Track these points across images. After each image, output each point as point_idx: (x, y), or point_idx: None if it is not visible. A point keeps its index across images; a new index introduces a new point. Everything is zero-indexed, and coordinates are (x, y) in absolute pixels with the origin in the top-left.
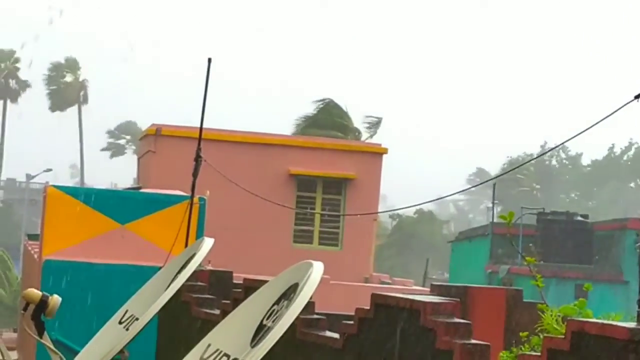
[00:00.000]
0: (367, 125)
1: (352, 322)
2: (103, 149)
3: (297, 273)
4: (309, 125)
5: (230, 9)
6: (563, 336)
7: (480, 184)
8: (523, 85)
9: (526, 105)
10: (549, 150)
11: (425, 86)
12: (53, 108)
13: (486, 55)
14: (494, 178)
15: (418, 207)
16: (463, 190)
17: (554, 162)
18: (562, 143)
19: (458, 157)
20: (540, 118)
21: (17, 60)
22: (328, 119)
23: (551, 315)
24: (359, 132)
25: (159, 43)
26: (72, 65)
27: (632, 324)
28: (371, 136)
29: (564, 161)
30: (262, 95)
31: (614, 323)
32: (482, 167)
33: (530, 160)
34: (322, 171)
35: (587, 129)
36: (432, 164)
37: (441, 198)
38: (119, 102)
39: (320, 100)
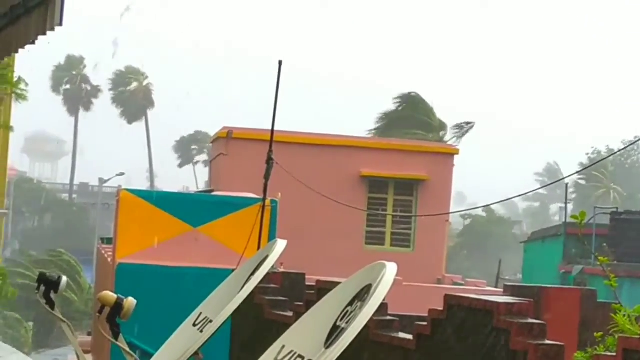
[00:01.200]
0: (457, 130)
1: (425, 323)
2: (176, 156)
3: (371, 274)
4: (391, 122)
5: (300, 8)
6: (639, 336)
7: (552, 183)
8: (607, 78)
9: (610, 99)
10: (623, 148)
11: (508, 79)
12: (122, 114)
13: (567, 45)
14: (563, 178)
15: (489, 207)
16: (530, 192)
17: (634, 159)
18: (636, 141)
19: (534, 151)
20: (625, 113)
21: (86, 66)
22: (412, 115)
23: (624, 315)
24: (445, 128)
25: (228, 44)
26: (136, 71)
27: None
28: (458, 139)
29: None
30: (339, 91)
31: None
32: (552, 164)
33: (601, 160)
34: (393, 172)
35: None
36: (512, 160)
37: (509, 199)
38: (188, 106)
39: (403, 96)
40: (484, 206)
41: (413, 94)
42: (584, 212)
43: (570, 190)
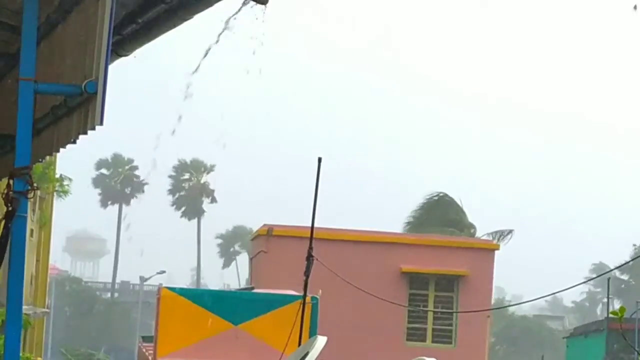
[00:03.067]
0: (497, 236)
1: None
2: (219, 255)
3: None
4: (421, 220)
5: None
6: None
7: (598, 276)
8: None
9: None
10: None
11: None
12: (175, 208)
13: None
14: (605, 273)
15: (533, 303)
16: (574, 286)
17: None
18: None
19: (582, 248)
20: None
21: (134, 167)
22: (442, 215)
23: None
24: (475, 229)
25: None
26: (194, 166)
27: None
28: (496, 241)
29: None
30: (375, 190)
31: None
32: (603, 262)
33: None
34: (434, 268)
35: None
36: (555, 254)
37: (552, 294)
38: (235, 201)
39: (433, 195)
40: (527, 302)
41: (442, 194)
42: (624, 308)
43: (618, 286)
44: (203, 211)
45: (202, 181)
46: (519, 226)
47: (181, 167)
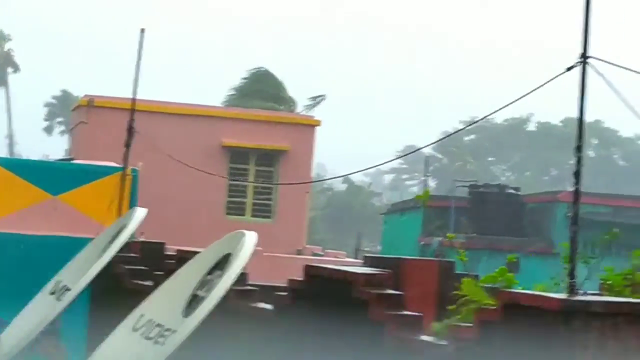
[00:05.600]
0: (310, 102)
1: (285, 293)
2: (44, 121)
3: (230, 243)
4: (242, 95)
5: None
6: (495, 307)
7: (410, 153)
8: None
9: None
10: (473, 124)
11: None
12: None
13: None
14: (418, 149)
15: (350, 179)
16: (390, 160)
17: (487, 134)
18: (486, 116)
19: (395, 127)
20: (472, 91)
21: None
22: (262, 89)
23: (476, 286)
24: (294, 103)
25: (91, 12)
26: None
27: (563, 295)
28: (309, 110)
29: (499, 132)
30: (197, 64)
31: (546, 294)
32: (413, 145)
33: (453, 134)
34: (255, 143)
35: (514, 101)
36: (371, 132)
37: (369, 168)
38: (53, 73)
39: (254, 70)
40: (344, 175)
41: (262, 68)
42: (428, 191)
43: (434, 165)
44: (7, 79)
45: (5, 49)
46: (346, 108)
47: None
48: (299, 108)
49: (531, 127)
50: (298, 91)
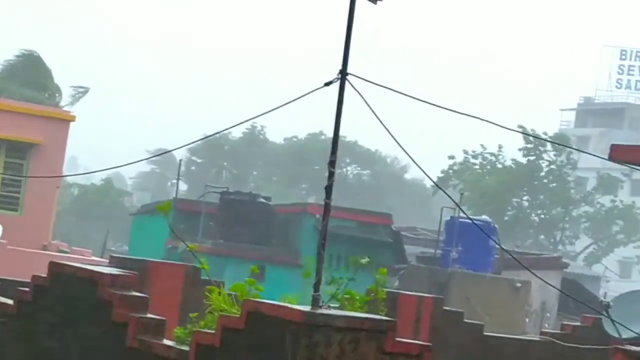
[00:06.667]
0: (75, 93)
1: (27, 289)
2: None
3: None
4: (3, 77)
5: None
6: (239, 315)
7: (160, 154)
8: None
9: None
10: (229, 128)
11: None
12: None
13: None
14: (169, 151)
15: (102, 176)
16: (139, 161)
17: (248, 141)
18: (240, 123)
19: (150, 127)
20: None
21: None
22: (27, 74)
23: (220, 294)
24: (60, 93)
25: None
26: None
27: (306, 307)
28: (73, 103)
29: (260, 141)
30: None
31: (290, 305)
32: (164, 148)
33: (206, 137)
34: (5, 134)
35: (267, 112)
36: (128, 130)
37: (117, 167)
38: None
39: (23, 52)
40: (93, 172)
41: (33, 52)
42: (169, 203)
43: (189, 168)
44: None
45: None
46: (106, 103)
47: None
48: (65, 99)
49: (291, 139)
50: (65, 81)
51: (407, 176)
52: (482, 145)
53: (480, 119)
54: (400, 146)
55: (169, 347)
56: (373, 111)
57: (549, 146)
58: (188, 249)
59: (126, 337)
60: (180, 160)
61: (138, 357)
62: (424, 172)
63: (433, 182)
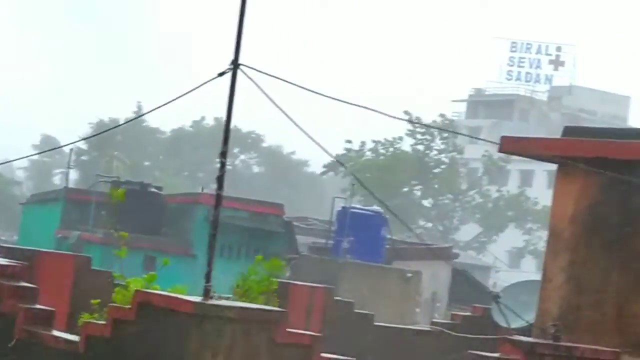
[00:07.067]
0: None
1: None
2: None
3: None
4: None
5: None
6: (130, 306)
7: (52, 149)
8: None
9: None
10: (127, 122)
11: None
12: None
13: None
14: (62, 146)
15: None
16: (28, 156)
17: (142, 130)
18: (144, 114)
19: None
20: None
21: None
22: None
23: (111, 284)
24: None
25: None
26: None
27: (197, 298)
28: None
29: (152, 130)
30: None
31: (181, 297)
32: (49, 135)
33: (104, 132)
34: None
35: (167, 103)
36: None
37: (8, 162)
38: None
39: None
40: None
41: None
42: (123, 191)
43: (79, 159)
44: None
45: None
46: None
47: None
48: None
49: (189, 129)
50: None
51: (303, 168)
52: (372, 137)
53: (368, 109)
54: (295, 123)
55: (58, 337)
56: (267, 95)
57: (438, 136)
58: (97, 232)
59: (15, 328)
60: (71, 149)
61: (27, 348)
62: (320, 146)
63: (330, 155)
